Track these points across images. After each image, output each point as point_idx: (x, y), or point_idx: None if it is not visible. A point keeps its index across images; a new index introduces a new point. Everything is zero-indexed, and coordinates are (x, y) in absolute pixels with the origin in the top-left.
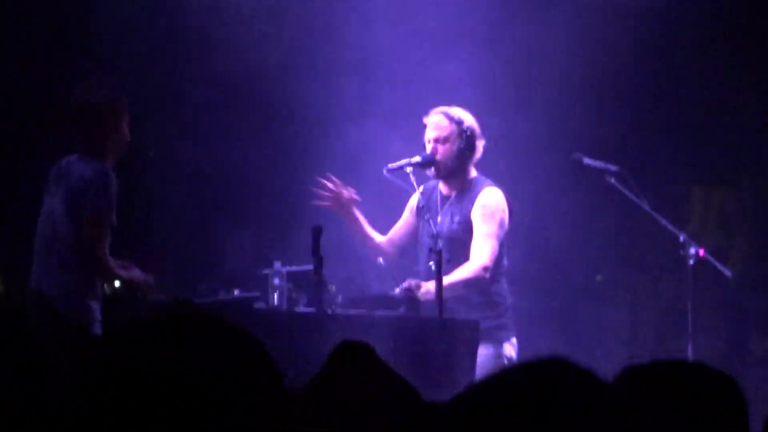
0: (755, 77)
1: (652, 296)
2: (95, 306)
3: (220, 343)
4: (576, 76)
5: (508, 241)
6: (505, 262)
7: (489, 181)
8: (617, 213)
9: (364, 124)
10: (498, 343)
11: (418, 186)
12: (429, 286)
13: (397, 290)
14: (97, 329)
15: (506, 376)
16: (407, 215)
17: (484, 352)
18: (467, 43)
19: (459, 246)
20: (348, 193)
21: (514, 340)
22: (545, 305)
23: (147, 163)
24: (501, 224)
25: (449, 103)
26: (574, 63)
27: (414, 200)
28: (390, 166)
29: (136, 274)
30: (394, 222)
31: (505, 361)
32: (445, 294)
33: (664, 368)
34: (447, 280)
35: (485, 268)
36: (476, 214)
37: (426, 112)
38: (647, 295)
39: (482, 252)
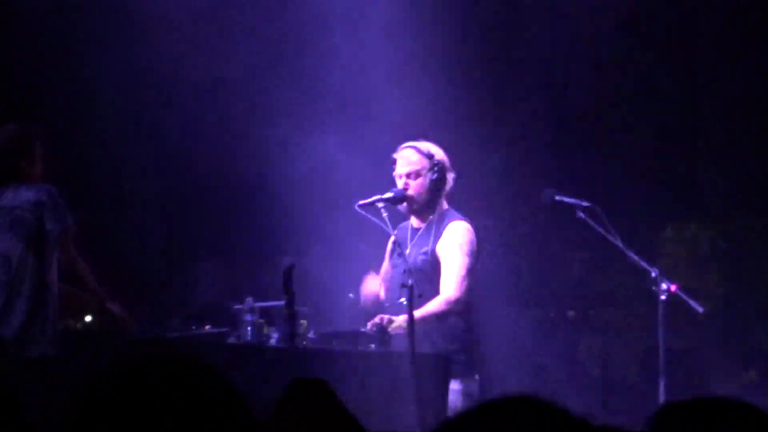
0: (727, 118)
1: (623, 332)
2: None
3: (189, 384)
4: (549, 112)
5: (477, 276)
6: (472, 296)
7: (458, 215)
8: (589, 249)
9: (340, 160)
10: (463, 378)
11: (390, 222)
12: (400, 321)
13: (369, 325)
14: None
15: (478, 413)
16: (386, 263)
17: (450, 388)
18: (439, 80)
19: (425, 279)
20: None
21: (477, 376)
22: (517, 340)
23: (118, 198)
24: (470, 256)
25: (420, 139)
26: (547, 99)
27: (390, 244)
28: (361, 202)
29: (115, 307)
30: (374, 251)
31: (471, 398)
32: (417, 327)
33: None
34: (417, 313)
35: (456, 301)
36: (443, 247)
37: (395, 148)
38: (619, 330)
39: (452, 285)
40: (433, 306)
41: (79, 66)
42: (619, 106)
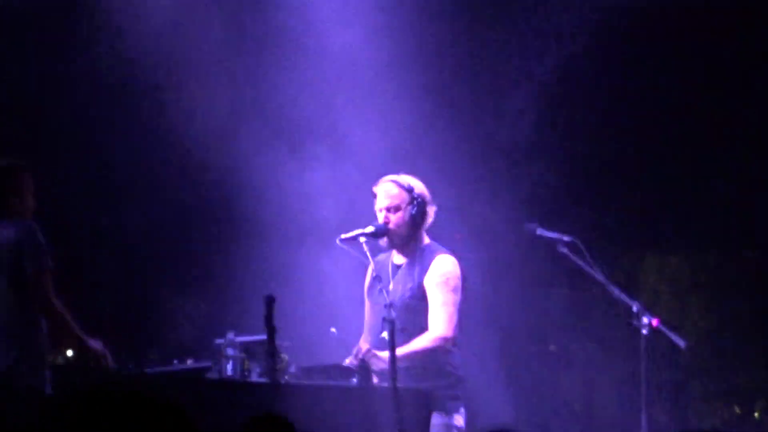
0: (708, 150)
1: (605, 366)
2: (47, 374)
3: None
4: (530, 146)
5: (462, 310)
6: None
7: (442, 248)
8: (570, 283)
9: (318, 198)
10: (448, 412)
11: (372, 255)
12: (383, 355)
13: (350, 359)
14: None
15: None
16: (367, 302)
17: (434, 422)
18: (424, 116)
19: (412, 314)
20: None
21: (462, 410)
22: (499, 374)
23: (100, 235)
24: (457, 292)
25: (400, 172)
26: (528, 133)
27: (366, 285)
28: (343, 236)
29: (94, 342)
30: (354, 285)
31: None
32: (404, 363)
33: None
34: (406, 349)
35: (445, 339)
36: (431, 283)
37: (375, 182)
38: (600, 365)
39: (441, 322)
40: (421, 343)
41: (56, 96)
42: (602, 138)
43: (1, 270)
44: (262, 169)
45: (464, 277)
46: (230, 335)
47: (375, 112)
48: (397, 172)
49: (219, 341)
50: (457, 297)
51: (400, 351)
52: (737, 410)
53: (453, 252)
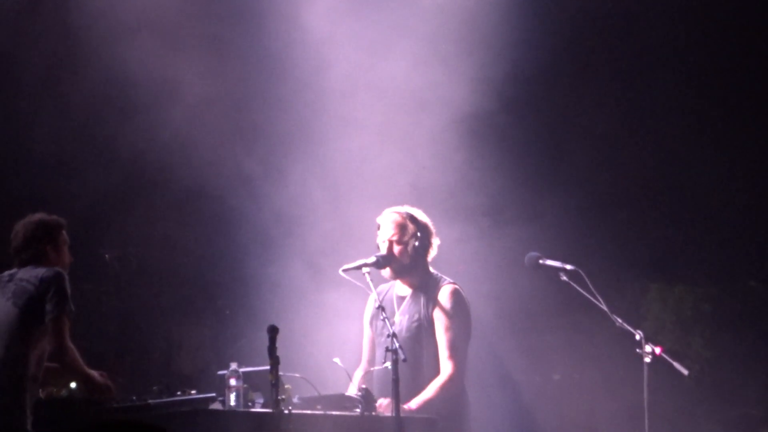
0: (714, 180)
1: (609, 395)
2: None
3: None
4: (532, 174)
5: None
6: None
7: (447, 279)
8: (573, 312)
9: (323, 225)
10: None
11: (374, 286)
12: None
13: (356, 393)
14: None
15: None
16: (366, 331)
17: None
18: (422, 146)
19: (418, 345)
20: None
21: None
22: (503, 404)
23: (103, 265)
24: (464, 326)
25: (404, 204)
26: (531, 160)
27: (367, 313)
28: (346, 267)
29: (98, 376)
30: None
31: None
32: (423, 414)
33: None
34: (421, 398)
35: (452, 380)
36: (438, 318)
37: (379, 213)
38: (604, 393)
39: (448, 363)
40: (435, 391)
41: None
42: (605, 168)
43: (18, 301)
44: (266, 199)
45: (469, 306)
46: (233, 366)
47: (379, 144)
48: (401, 203)
49: (222, 372)
50: (464, 332)
51: (417, 402)
52: None
53: (457, 282)
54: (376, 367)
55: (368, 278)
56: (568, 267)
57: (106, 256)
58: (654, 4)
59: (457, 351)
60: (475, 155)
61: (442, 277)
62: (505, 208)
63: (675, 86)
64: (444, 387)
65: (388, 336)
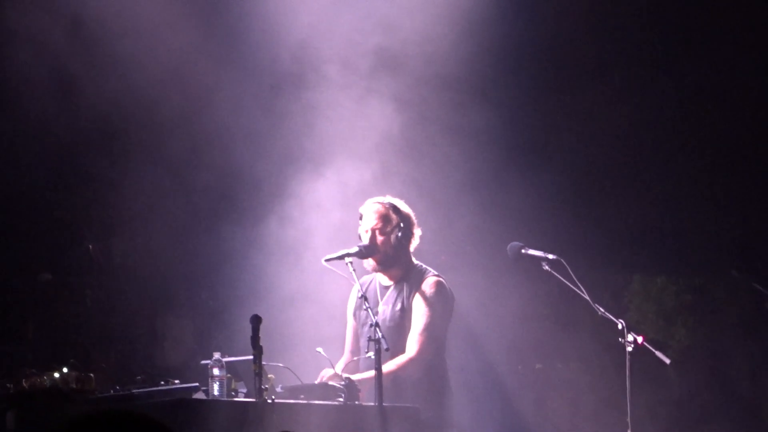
0: (695, 171)
1: (591, 384)
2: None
3: None
4: (514, 163)
5: (445, 333)
6: (441, 353)
7: (431, 271)
8: (556, 301)
9: (301, 217)
10: None
11: (357, 276)
12: (357, 377)
13: (318, 380)
14: None
15: None
16: (350, 321)
17: None
18: (408, 134)
19: (400, 334)
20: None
21: (453, 431)
22: (485, 394)
23: (86, 256)
24: (441, 316)
25: (387, 195)
26: (515, 153)
27: (351, 303)
28: (328, 257)
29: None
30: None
31: None
32: (368, 386)
33: None
34: (369, 373)
35: (417, 361)
36: (417, 304)
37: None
38: (586, 383)
39: (412, 347)
40: (392, 365)
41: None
42: (589, 158)
43: None
44: (247, 187)
45: (452, 299)
46: (216, 356)
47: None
48: (383, 194)
49: (205, 362)
50: (440, 321)
51: (367, 374)
52: (723, 429)
53: (440, 274)
54: (360, 357)
55: (351, 268)
56: (551, 256)
57: (90, 247)
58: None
59: (425, 336)
60: (455, 143)
61: (426, 269)
62: (486, 198)
63: (657, 77)
64: (401, 366)
65: (371, 326)
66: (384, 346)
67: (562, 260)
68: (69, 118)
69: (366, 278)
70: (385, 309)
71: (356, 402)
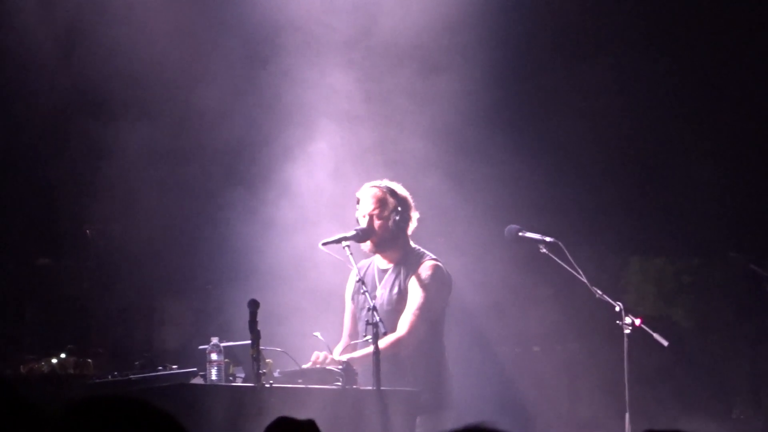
0: (693, 152)
1: (589, 366)
2: None
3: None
4: (513, 146)
5: (442, 316)
6: (437, 335)
7: (429, 254)
8: (553, 284)
9: (296, 200)
10: (431, 416)
11: (355, 260)
12: (340, 359)
13: (308, 364)
14: None
15: None
16: (348, 305)
17: (423, 425)
18: (406, 116)
19: (398, 318)
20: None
21: (448, 413)
22: (483, 376)
23: (85, 241)
24: (436, 298)
25: (383, 178)
26: (513, 133)
27: (349, 287)
28: (325, 241)
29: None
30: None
31: None
32: (358, 364)
33: None
34: (362, 352)
35: (400, 340)
36: (412, 286)
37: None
38: (584, 365)
39: (403, 326)
40: (382, 343)
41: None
42: (587, 138)
43: None
44: (246, 171)
45: (449, 282)
46: (215, 340)
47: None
48: (379, 178)
49: (203, 347)
50: (435, 303)
51: (358, 353)
52: (722, 409)
53: (438, 257)
54: (358, 341)
55: (348, 252)
56: (548, 239)
57: (87, 231)
58: None
59: (416, 315)
60: (456, 126)
61: (424, 253)
62: (484, 181)
63: (656, 54)
64: (391, 344)
65: (369, 310)
66: (382, 329)
67: (560, 243)
68: (65, 89)
69: (364, 262)
70: (383, 293)
71: (354, 386)
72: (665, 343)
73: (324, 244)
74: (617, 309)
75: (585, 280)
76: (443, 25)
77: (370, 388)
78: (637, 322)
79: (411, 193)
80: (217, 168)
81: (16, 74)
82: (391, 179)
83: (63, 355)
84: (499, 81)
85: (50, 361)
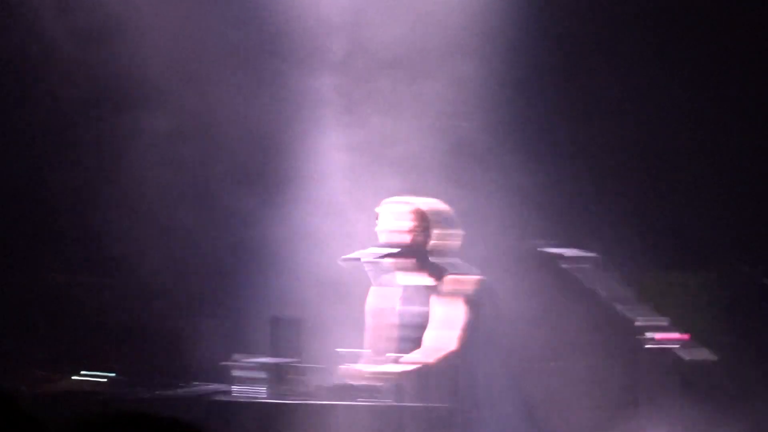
0: (732, 167)
1: (607, 382)
2: None
3: None
4: (535, 157)
5: (470, 330)
6: (467, 350)
7: (451, 269)
8: (580, 299)
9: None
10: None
11: (376, 275)
12: (370, 371)
13: (338, 377)
14: None
15: None
16: (369, 321)
17: None
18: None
19: (420, 333)
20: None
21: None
22: (505, 391)
23: (114, 259)
24: (460, 313)
25: (404, 194)
26: (539, 143)
27: (369, 303)
28: (345, 257)
29: None
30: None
31: None
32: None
33: None
34: (386, 368)
35: (425, 355)
36: (435, 302)
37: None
38: (603, 381)
39: (429, 341)
40: (408, 359)
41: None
42: (610, 150)
43: None
44: (279, 189)
45: (472, 295)
46: (241, 357)
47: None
48: (402, 193)
49: (230, 363)
50: (458, 318)
51: (383, 368)
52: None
53: (462, 272)
54: (381, 356)
55: (370, 268)
56: (568, 253)
57: (110, 246)
58: None
59: (440, 330)
60: (473, 134)
61: (445, 268)
62: (506, 192)
63: (685, 67)
64: (417, 359)
65: (392, 325)
66: (406, 346)
67: (583, 257)
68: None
69: (387, 277)
70: (406, 309)
71: (382, 402)
72: (686, 357)
73: (345, 260)
74: (642, 324)
75: (606, 295)
76: (456, 27)
77: (397, 404)
78: (657, 337)
79: (433, 212)
80: (247, 186)
81: (37, 77)
82: (409, 192)
83: (82, 372)
84: (517, 83)
85: (67, 378)
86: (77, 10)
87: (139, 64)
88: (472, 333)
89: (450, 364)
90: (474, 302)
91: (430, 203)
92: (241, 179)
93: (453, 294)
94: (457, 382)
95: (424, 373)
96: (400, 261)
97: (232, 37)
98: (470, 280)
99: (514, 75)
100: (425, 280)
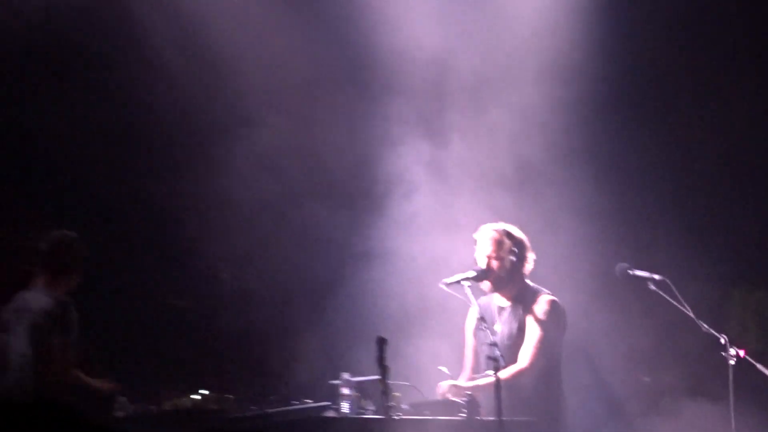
0: None
1: (694, 397)
2: None
3: None
4: (616, 180)
5: (560, 348)
6: (553, 368)
7: (544, 290)
8: (660, 318)
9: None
10: None
11: (475, 296)
12: (464, 386)
13: (438, 396)
14: None
15: None
16: (469, 340)
17: None
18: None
19: (517, 352)
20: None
21: None
22: (596, 409)
23: (221, 284)
24: (554, 332)
25: (499, 221)
26: (614, 164)
27: (469, 323)
28: (445, 280)
29: (104, 383)
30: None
31: None
32: (480, 392)
33: None
34: (485, 380)
35: (522, 372)
36: (530, 322)
37: (476, 230)
38: (690, 396)
39: (524, 357)
40: (504, 374)
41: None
42: (687, 178)
43: (33, 338)
44: (380, 212)
45: (564, 316)
46: (345, 375)
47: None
48: (496, 221)
49: (335, 382)
50: (553, 336)
51: (481, 381)
52: None
53: (553, 293)
54: (479, 375)
55: (468, 291)
56: (657, 277)
57: (223, 274)
58: None
59: (536, 348)
60: (546, 160)
61: (540, 289)
62: (588, 218)
63: (756, 82)
64: (512, 375)
65: (490, 345)
66: (502, 363)
67: (667, 280)
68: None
69: (483, 299)
70: (503, 328)
71: (477, 417)
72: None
73: (445, 283)
74: (722, 341)
75: (692, 315)
76: (532, 54)
77: (492, 418)
78: (741, 353)
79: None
80: (345, 211)
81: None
82: (488, 212)
83: (205, 391)
84: (589, 106)
85: (192, 397)
86: (197, 47)
87: (246, 94)
88: (559, 349)
89: (544, 380)
90: (563, 320)
91: (518, 230)
92: (335, 200)
93: (547, 314)
94: (549, 397)
95: (519, 388)
96: (497, 282)
97: (326, 68)
98: (560, 302)
99: (590, 107)
100: (521, 300)
